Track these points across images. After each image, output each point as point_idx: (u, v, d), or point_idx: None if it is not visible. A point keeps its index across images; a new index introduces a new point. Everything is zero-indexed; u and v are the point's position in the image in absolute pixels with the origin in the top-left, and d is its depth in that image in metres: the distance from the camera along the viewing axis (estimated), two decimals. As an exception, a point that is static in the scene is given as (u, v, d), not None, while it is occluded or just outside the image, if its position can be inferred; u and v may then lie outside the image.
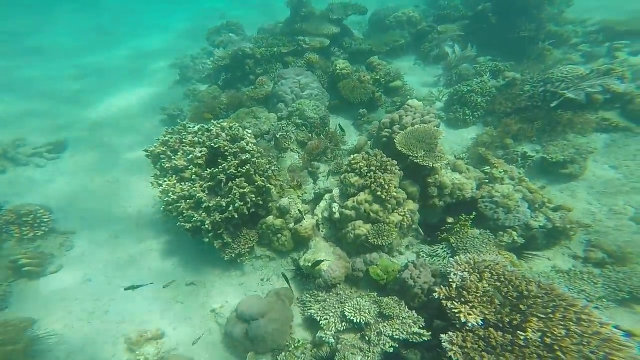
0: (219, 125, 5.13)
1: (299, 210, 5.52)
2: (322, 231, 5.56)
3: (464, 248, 5.36)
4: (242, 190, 4.43)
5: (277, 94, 7.80)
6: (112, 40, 17.09)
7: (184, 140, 4.80)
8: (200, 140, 4.71)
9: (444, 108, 8.26)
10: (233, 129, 5.09)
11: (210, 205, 4.31)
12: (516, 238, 5.19)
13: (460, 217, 5.32)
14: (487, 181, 5.44)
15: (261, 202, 4.98)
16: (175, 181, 4.51)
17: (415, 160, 4.76)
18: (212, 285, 5.32)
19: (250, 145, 4.96)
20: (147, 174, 5.42)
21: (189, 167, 4.45)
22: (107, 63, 14.32)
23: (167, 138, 4.80)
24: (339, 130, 6.77)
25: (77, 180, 7.22)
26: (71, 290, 5.18)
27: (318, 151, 6.30)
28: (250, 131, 5.25)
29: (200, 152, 4.37)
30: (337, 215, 5.07)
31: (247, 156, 4.57)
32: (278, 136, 6.38)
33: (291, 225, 5.47)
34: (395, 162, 4.83)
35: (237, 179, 4.45)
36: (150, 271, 5.55)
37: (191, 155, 4.37)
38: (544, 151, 6.24)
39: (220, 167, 4.27)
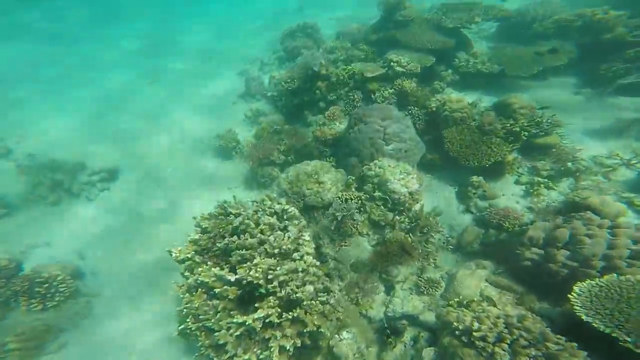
0: (267, 222, 4.08)
1: (360, 354, 4.21)
2: (392, 387, 4.16)
3: None
4: (284, 344, 3.32)
5: (350, 142, 6.47)
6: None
7: (217, 243, 3.90)
8: (234, 249, 3.73)
9: (638, 183, 5.47)
10: (288, 233, 4.00)
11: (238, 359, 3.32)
12: None
13: None
14: None
15: (309, 343, 3.82)
16: (199, 301, 3.65)
17: (624, 344, 2.99)
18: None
19: (307, 259, 3.80)
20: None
21: (217, 296, 3.53)
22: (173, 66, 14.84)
23: (196, 237, 3.97)
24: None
25: (118, 222, 7.15)
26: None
27: (396, 254, 4.83)
28: (309, 234, 4.08)
29: (236, 278, 3.39)
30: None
31: (299, 293, 3.41)
32: (339, 218, 5.10)
33: (346, 371, 4.21)
34: (574, 345, 3.11)
35: (278, 327, 3.36)
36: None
37: (220, 290, 3.42)
38: None
39: (256, 314, 3.23)
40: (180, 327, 3.73)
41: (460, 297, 4.48)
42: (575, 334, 3.34)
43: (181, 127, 10.05)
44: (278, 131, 7.99)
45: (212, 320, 3.47)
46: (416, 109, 7.01)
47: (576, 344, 3.20)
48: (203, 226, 4.26)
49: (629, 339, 3.07)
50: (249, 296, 3.49)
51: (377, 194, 5.52)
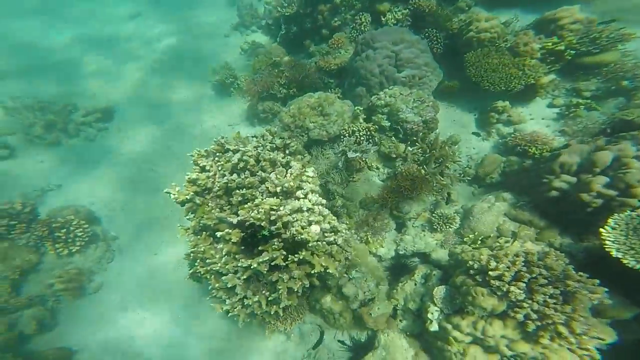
0: (268, 158, 3.61)
1: (370, 292, 4.07)
2: (400, 321, 4.08)
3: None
4: (291, 286, 3.11)
5: (357, 70, 5.64)
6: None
7: (218, 182, 3.50)
8: (236, 187, 3.34)
9: None
10: (290, 170, 3.55)
11: (249, 303, 3.16)
12: None
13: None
14: None
15: (317, 283, 3.64)
16: (205, 245, 3.40)
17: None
18: (248, 332, 4.66)
19: (311, 197, 3.41)
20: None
21: (221, 239, 3.24)
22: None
23: (194, 176, 3.54)
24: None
25: (121, 165, 6.84)
26: (109, 314, 5.18)
27: (408, 189, 4.40)
28: (312, 171, 3.63)
29: (238, 220, 3.04)
30: (434, 327, 3.48)
31: (305, 234, 3.07)
32: (349, 156, 4.60)
33: (354, 306, 4.14)
34: (595, 281, 2.81)
35: (285, 269, 3.11)
36: (181, 297, 5.24)
37: (222, 232, 3.08)
38: None
39: (260, 257, 2.94)
40: (190, 271, 3.56)
41: (476, 233, 4.18)
42: (599, 271, 3.03)
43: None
44: (277, 63, 7.09)
45: (219, 265, 3.24)
46: (435, 31, 5.95)
47: (598, 281, 2.90)
48: (201, 164, 3.83)
49: None
50: (252, 238, 3.19)
51: (385, 122, 4.94)
